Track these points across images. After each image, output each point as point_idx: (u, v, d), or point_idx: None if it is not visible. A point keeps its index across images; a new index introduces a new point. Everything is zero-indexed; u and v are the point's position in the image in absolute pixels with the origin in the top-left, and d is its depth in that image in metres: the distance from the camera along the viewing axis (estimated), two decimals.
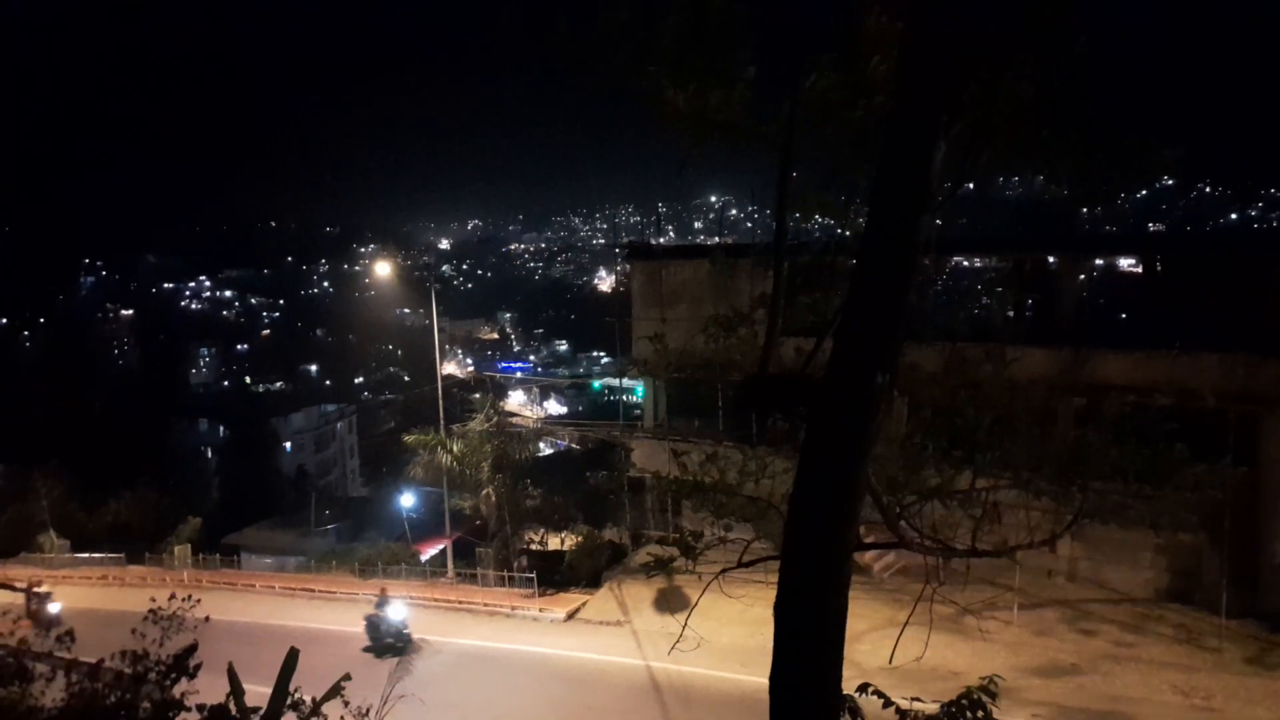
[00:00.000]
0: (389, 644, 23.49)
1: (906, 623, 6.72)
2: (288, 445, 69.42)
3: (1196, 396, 18.98)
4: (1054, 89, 5.57)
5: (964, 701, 5.39)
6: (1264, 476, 20.11)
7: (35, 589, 27.60)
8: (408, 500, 40.59)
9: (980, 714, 5.37)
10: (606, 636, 23.51)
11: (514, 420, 39.11)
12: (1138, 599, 21.91)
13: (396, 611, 24.14)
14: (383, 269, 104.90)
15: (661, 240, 33.76)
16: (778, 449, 7.43)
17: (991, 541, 6.64)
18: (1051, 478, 6.32)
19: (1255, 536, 20.50)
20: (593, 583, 27.63)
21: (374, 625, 24.07)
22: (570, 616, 25.37)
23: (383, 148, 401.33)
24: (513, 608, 26.57)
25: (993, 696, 5.39)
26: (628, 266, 31.92)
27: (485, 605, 27.10)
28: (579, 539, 30.16)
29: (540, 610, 26.12)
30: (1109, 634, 20.54)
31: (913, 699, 5.65)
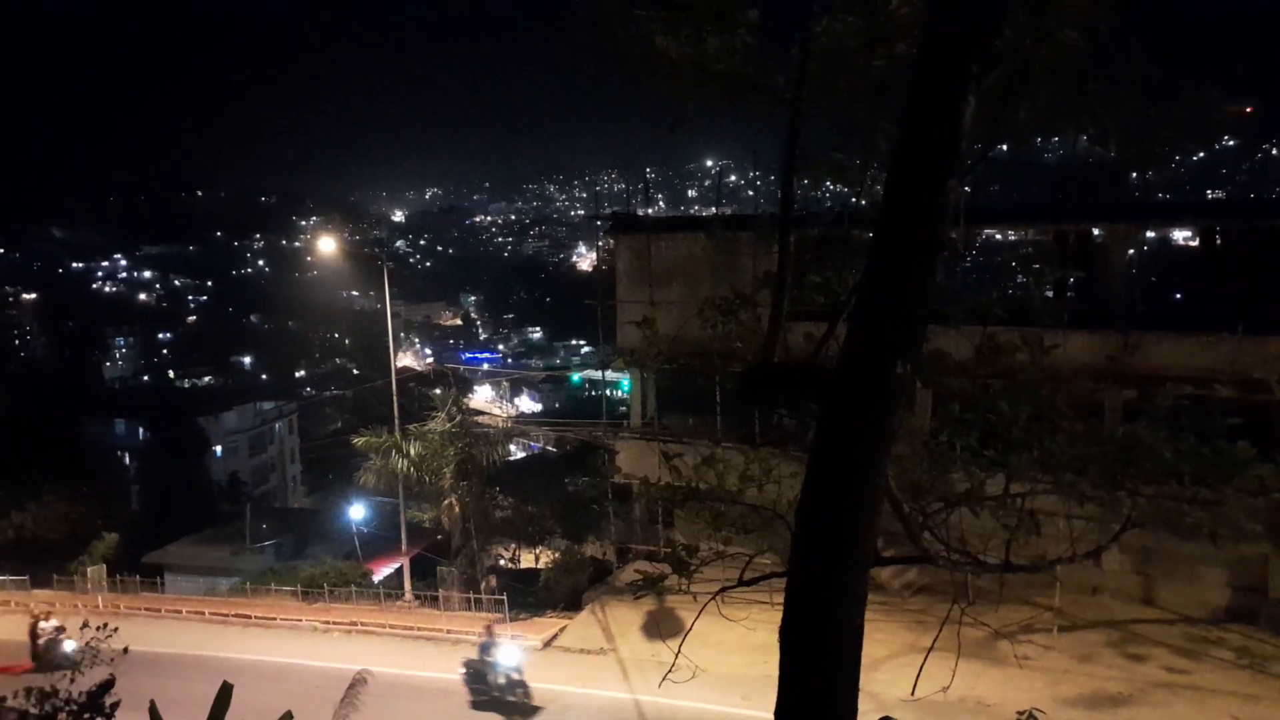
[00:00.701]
0: (496, 696, 21.65)
1: (931, 648, 6.76)
2: (218, 449, 69.12)
3: (1263, 387, 18.99)
4: (1102, 34, 5.56)
5: None
6: None
7: (43, 620, 25.39)
8: (358, 512, 40.46)
9: None
10: (588, 666, 23.58)
11: (481, 419, 39.18)
12: (1194, 619, 22.13)
13: (508, 655, 22.10)
14: (327, 245, 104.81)
15: (650, 211, 33.72)
16: (784, 450, 7.44)
17: (1028, 555, 6.67)
18: (1097, 481, 6.34)
19: None
20: (572, 605, 27.69)
21: (478, 674, 22.16)
22: (547, 644, 25.44)
23: (326, 104, 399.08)
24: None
25: None
26: (611, 241, 31.90)
27: (449, 632, 27.11)
28: (556, 555, 30.23)
29: (512, 637, 26.13)
30: (1162, 659, 20.74)
31: None
